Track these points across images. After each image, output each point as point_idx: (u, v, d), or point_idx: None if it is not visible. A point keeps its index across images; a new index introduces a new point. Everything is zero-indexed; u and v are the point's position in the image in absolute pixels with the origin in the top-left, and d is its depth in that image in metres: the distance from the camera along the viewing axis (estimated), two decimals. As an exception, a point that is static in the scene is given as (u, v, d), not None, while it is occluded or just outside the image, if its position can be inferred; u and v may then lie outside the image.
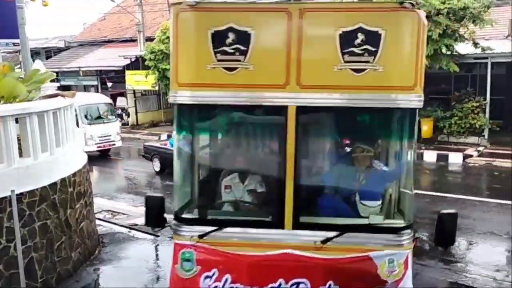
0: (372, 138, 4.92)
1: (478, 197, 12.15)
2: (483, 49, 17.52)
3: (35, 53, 31.68)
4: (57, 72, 22.74)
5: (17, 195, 6.60)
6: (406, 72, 4.04)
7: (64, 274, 7.86)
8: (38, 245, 7.34)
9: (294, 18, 4.03)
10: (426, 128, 18.70)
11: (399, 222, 4.40)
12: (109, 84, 30.29)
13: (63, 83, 29.04)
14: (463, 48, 17.82)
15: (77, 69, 31.06)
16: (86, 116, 19.23)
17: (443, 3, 16.95)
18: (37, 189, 7.30)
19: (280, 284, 4.09)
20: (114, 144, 20.09)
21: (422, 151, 16.93)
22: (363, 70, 3.99)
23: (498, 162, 15.76)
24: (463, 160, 16.41)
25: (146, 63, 24.93)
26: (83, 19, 67.33)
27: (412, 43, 4.01)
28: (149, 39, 27.19)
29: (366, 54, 3.97)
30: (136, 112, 29.39)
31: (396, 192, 4.65)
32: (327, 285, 4.08)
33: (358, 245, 4.15)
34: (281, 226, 4.19)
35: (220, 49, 4.07)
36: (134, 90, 28.87)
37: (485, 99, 18.38)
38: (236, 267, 4.16)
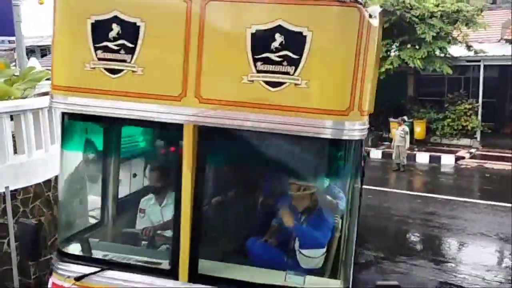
0: (295, 173, 3.76)
1: (470, 198, 12.25)
2: (476, 52, 17.65)
3: (30, 51, 31.57)
4: (51, 70, 22.63)
5: (11, 191, 6.63)
6: (338, 91, 3.04)
7: (57, 271, 7.87)
8: (32, 242, 7.35)
9: (195, 10, 3.10)
10: (419, 129, 18.80)
11: (334, 283, 3.48)
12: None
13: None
14: (456, 50, 17.94)
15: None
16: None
17: (437, 5, 17.10)
18: (31, 186, 7.32)
19: None
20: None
21: (414, 152, 17.04)
22: (281, 84, 3.02)
23: (490, 164, 15.88)
24: (455, 162, 16.53)
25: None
26: (78, 18, 66.95)
27: (348, 50, 2.99)
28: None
29: (285, 63, 3.00)
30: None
31: (336, 243, 3.65)
32: None
33: None
34: (176, 276, 3.29)
35: (102, 44, 3.24)
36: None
37: (477, 102, 18.50)
38: None
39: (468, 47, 17.80)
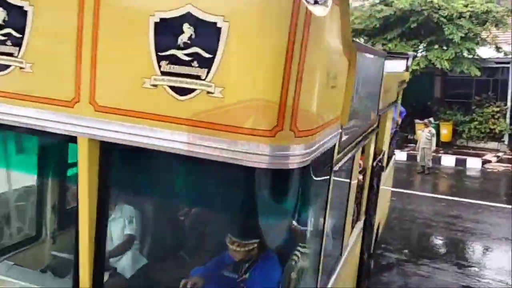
0: (217, 210, 3.11)
1: (495, 202, 12.06)
2: (505, 54, 17.37)
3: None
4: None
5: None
6: (260, 104, 2.20)
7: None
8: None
9: None
10: (445, 132, 18.58)
11: None
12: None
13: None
14: (485, 52, 17.66)
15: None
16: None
17: (466, 6, 16.85)
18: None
19: None
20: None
21: (440, 155, 16.85)
22: (190, 91, 2.26)
23: (517, 168, 15.63)
24: (482, 165, 16.29)
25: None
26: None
27: (277, 47, 2.16)
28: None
29: (195, 64, 2.24)
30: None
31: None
32: None
33: None
34: None
35: None
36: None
37: (506, 104, 18.22)
38: None
39: (497, 49, 17.50)
